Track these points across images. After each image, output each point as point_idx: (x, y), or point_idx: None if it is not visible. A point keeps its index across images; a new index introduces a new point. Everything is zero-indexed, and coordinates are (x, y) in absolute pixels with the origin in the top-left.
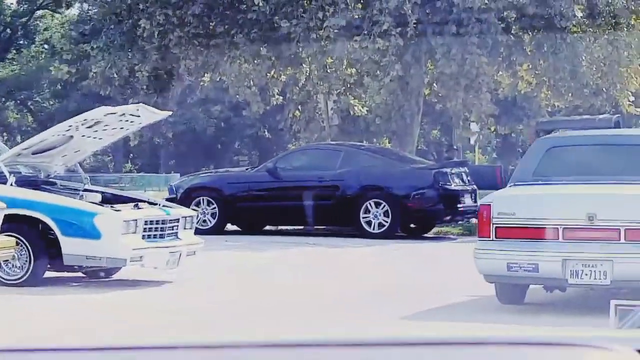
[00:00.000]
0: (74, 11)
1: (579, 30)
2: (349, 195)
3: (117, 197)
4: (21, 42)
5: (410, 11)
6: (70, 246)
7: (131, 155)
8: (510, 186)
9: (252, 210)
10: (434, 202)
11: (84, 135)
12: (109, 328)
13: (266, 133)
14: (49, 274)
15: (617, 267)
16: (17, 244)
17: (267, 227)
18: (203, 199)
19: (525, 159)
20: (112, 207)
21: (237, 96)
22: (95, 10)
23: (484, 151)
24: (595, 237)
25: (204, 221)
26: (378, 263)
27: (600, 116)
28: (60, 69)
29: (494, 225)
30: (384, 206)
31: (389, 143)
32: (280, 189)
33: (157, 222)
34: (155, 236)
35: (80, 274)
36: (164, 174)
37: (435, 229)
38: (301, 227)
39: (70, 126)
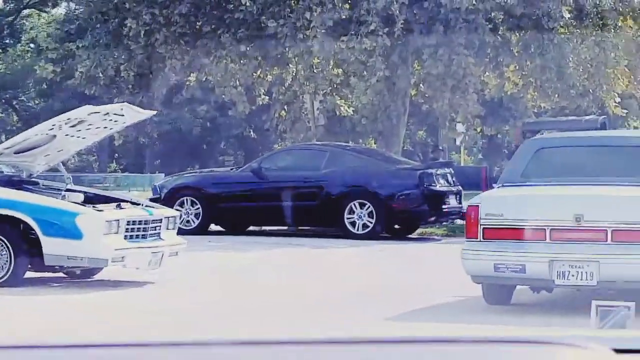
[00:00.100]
0: (60, 10)
1: (566, 31)
2: (333, 196)
3: (99, 197)
4: (7, 41)
5: (397, 11)
6: (52, 246)
7: (116, 155)
8: (498, 187)
9: (235, 211)
10: (418, 203)
11: (67, 135)
12: (90, 329)
13: (252, 133)
14: (29, 274)
15: (603, 268)
16: None
17: (251, 228)
18: (187, 199)
19: (514, 160)
20: (94, 207)
21: (223, 96)
22: (82, 9)
23: (470, 152)
24: (582, 238)
25: (188, 221)
26: (362, 264)
27: (587, 117)
28: (46, 68)
29: (482, 226)
30: (369, 207)
31: (375, 143)
32: (265, 189)
33: (140, 222)
34: (137, 236)
35: (61, 274)
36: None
37: (419, 230)
38: (285, 227)
39: (54, 125)
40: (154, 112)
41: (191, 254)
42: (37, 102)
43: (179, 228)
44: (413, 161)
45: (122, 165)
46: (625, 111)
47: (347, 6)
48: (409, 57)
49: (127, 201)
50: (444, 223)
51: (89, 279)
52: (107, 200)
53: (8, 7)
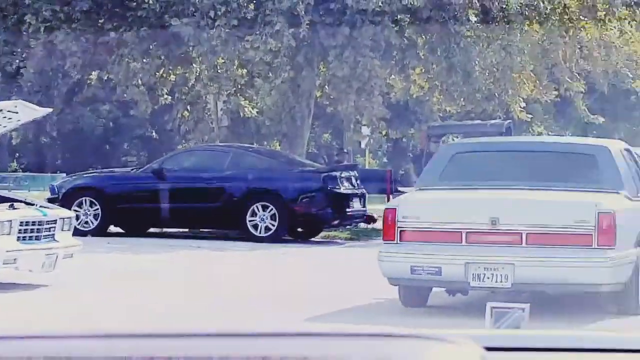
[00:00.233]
0: None
1: (473, 34)
2: (235, 198)
3: None
4: None
5: (303, 12)
6: None
7: (17, 154)
8: (415, 190)
9: (136, 212)
10: (322, 205)
11: None
12: None
13: (154, 134)
14: None
15: (518, 270)
16: None
17: (152, 230)
18: (85, 200)
19: (431, 164)
20: None
21: (125, 95)
22: None
23: (375, 155)
24: (498, 241)
25: (86, 222)
26: (262, 267)
27: (492, 121)
28: None
29: (399, 229)
30: (271, 209)
31: (279, 145)
32: (166, 190)
33: (33, 223)
34: (30, 238)
35: None
36: (50, 174)
37: (323, 233)
38: (187, 229)
39: None
40: (50, 110)
41: (89, 255)
42: None
43: (77, 229)
44: (317, 164)
45: (22, 164)
46: (530, 116)
47: (252, 6)
48: (315, 59)
49: (20, 201)
50: (348, 226)
51: None
52: (0, 200)
53: None
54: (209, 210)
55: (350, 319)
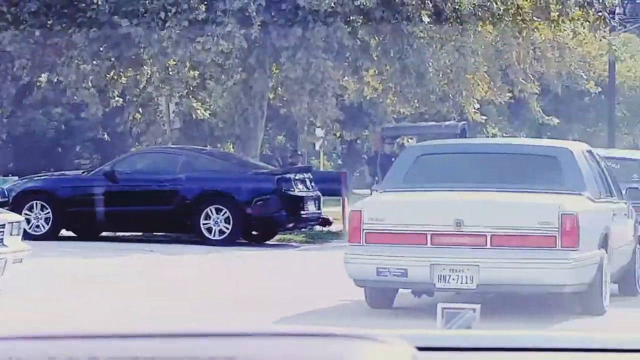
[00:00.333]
0: None
1: (426, 35)
2: (188, 201)
3: None
4: None
5: (254, 13)
6: None
7: None
8: (380, 192)
9: (88, 216)
10: (276, 208)
11: None
12: None
13: (105, 136)
14: None
15: (483, 272)
16: None
17: (105, 233)
18: (36, 203)
19: (396, 167)
20: None
21: (75, 97)
22: None
23: (329, 157)
24: (463, 242)
25: (37, 226)
26: (218, 270)
27: (446, 123)
28: None
29: (365, 231)
30: (225, 212)
31: (233, 148)
32: (118, 193)
33: None
34: None
35: None
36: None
37: (277, 236)
38: (140, 233)
39: None
40: None
41: (39, 260)
42: None
43: (28, 234)
44: (271, 166)
45: None
46: (484, 117)
47: (203, 7)
48: (267, 60)
49: None
50: (303, 229)
51: None
52: None
53: None
54: (161, 214)
55: (317, 322)
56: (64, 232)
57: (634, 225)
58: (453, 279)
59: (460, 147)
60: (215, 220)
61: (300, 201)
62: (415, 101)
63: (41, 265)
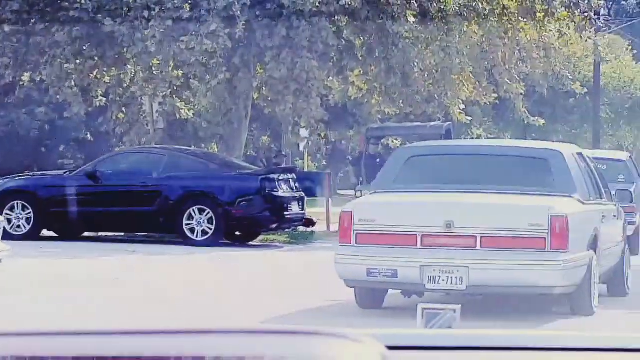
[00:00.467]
0: None
1: (411, 36)
2: (171, 201)
3: None
4: None
5: (239, 12)
6: None
7: None
8: (371, 194)
9: (70, 216)
10: (259, 209)
11: None
12: None
13: (89, 136)
14: None
15: (472, 273)
16: None
17: (87, 234)
18: (17, 203)
19: (386, 168)
20: None
21: (58, 97)
22: None
23: (314, 158)
24: (452, 244)
25: (19, 226)
26: (201, 271)
27: (432, 123)
28: None
29: (355, 232)
30: (208, 213)
31: (217, 148)
32: (100, 193)
33: None
34: None
35: None
36: None
37: (261, 237)
38: (122, 233)
39: None
40: None
41: (21, 260)
42: None
43: (9, 234)
44: (255, 166)
45: None
46: (470, 118)
47: (187, 6)
48: (251, 60)
49: None
50: (287, 230)
51: None
52: None
53: None
54: (144, 214)
55: (300, 322)
56: (45, 233)
57: (623, 227)
58: (443, 280)
59: (451, 149)
60: (199, 221)
61: (284, 202)
62: (401, 101)
63: (25, 266)
